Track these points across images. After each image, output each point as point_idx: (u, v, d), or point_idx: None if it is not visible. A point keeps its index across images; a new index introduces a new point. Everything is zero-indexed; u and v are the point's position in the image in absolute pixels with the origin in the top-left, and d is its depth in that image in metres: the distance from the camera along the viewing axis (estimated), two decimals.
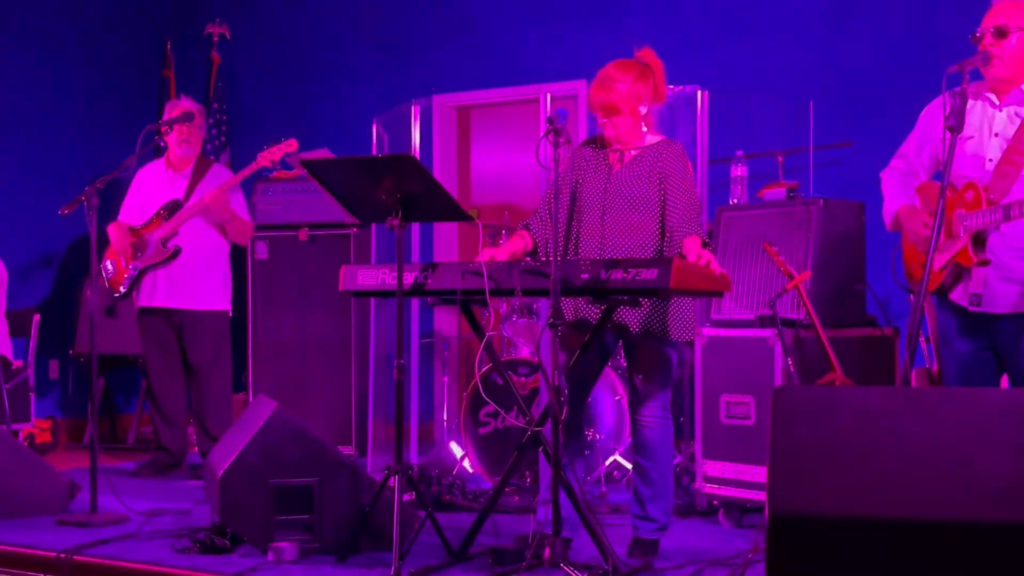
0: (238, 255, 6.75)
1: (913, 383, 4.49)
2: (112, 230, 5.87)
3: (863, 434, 2.76)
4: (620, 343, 4.12)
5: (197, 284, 5.86)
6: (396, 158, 4.02)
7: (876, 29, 5.96)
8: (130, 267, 5.84)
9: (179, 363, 5.94)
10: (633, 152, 4.03)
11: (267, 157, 5.76)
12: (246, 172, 5.82)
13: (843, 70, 6.01)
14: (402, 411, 3.95)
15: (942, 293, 3.77)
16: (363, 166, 3.98)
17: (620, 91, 3.94)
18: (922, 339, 4.85)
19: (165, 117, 5.87)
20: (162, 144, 6.61)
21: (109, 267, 5.90)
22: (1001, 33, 3.60)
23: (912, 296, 3.95)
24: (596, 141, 4.13)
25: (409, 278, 3.92)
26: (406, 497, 4.00)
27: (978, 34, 3.65)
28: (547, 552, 3.62)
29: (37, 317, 6.59)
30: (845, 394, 3.08)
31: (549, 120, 3.72)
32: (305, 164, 4.07)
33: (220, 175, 5.98)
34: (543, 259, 4.04)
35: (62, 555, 4.04)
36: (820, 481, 2.74)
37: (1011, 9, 3.63)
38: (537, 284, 3.73)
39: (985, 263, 3.59)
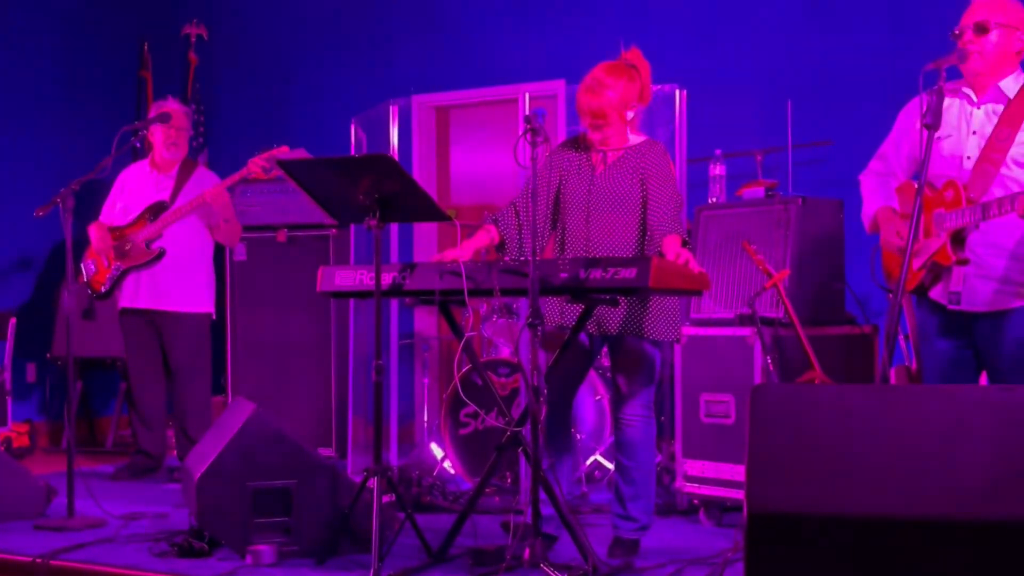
0: (217, 256, 6.72)
1: (892, 381, 4.50)
2: (93, 230, 5.83)
3: (841, 432, 2.76)
4: (604, 344, 4.11)
5: (180, 286, 5.82)
6: (373, 158, 4.00)
7: (855, 27, 5.97)
8: (112, 267, 5.80)
9: (160, 365, 5.90)
10: (616, 153, 4.02)
11: (258, 163, 5.70)
12: (236, 177, 5.74)
13: (822, 68, 6.01)
14: (381, 412, 3.93)
15: (921, 292, 3.77)
16: (340, 166, 3.96)
17: (610, 98, 3.93)
18: (901, 337, 4.86)
19: (151, 117, 5.84)
20: (138, 145, 6.57)
21: (91, 267, 5.86)
22: (981, 29, 3.61)
23: (891, 294, 3.96)
24: (578, 141, 4.12)
25: (387, 279, 3.90)
26: (386, 499, 3.99)
27: (957, 31, 3.65)
28: (527, 553, 3.61)
29: (13, 320, 6.55)
30: (823, 392, 3.08)
31: (527, 119, 3.71)
32: (282, 165, 4.05)
33: (206, 177, 5.93)
34: (513, 254, 4.04)
35: (38, 560, 4.02)
36: (798, 479, 2.74)
37: (990, 5, 3.64)
38: (516, 284, 3.72)
39: (964, 262, 3.59)
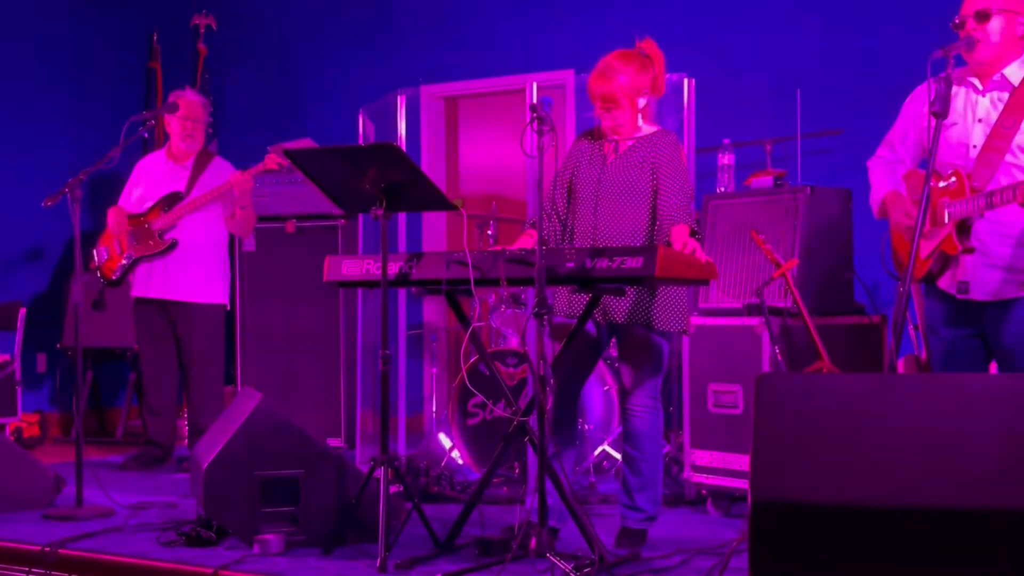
0: None
1: (901, 370, 4.48)
2: (112, 213, 5.84)
3: (846, 421, 2.75)
4: (613, 335, 4.10)
5: (194, 276, 5.82)
6: (379, 147, 4.00)
7: (864, 16, 5.94)
8: (124, 255, 5.81)
9: (172, 355, 5.90)
10: (628, 143, 4.02)
11: (274, 159, 5.68)
12: (260, 167, 5.71)
13: (831, 57, 5.99)
14: (388, 402, 3.94)
15: (930, 280, 3.76)
16: (346, 155, 3.96)
17: (621, 83, 3.94)
18: (910, 327, 4.84)
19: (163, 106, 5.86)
20: (146, 135, 6.58)
21: (103, 253, 5.87)
22: (983, 16, 3.59)
23: (900, 282, 3.95)
24: (593, 133, 4.13)
25: (394, 268, 3.90)
26: (393, 489, 3.99)
27: (958, 21, 3.63)
28: (533, 542, 3.60)
29: (23, 311, 6.57)
30: (828, 381, 3.07)
31: (532, 108, 3.70)
32: (288, 154, 4.05)
33: (222, 168, 5.91)
34: None
35: (47, 549, 4.02)
36: (803, 468, 2.73)
37: None
38: (522, 273, 3.71)
39: (970, 251, 3.58)
